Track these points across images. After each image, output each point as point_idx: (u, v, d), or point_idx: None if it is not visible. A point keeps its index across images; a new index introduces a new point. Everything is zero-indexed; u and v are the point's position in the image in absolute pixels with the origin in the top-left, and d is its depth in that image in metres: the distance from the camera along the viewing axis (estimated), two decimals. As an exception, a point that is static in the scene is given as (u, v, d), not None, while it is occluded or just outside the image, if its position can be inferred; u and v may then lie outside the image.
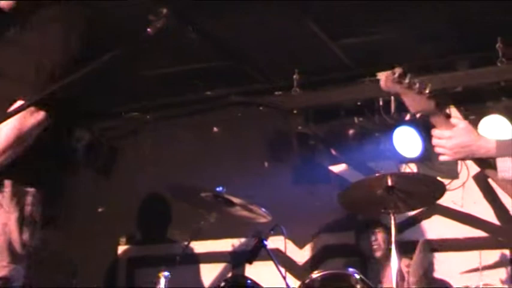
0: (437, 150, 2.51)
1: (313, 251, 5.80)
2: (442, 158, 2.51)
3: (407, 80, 2.43)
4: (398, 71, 2.44)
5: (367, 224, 5.01)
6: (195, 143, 6.18)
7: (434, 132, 2.50)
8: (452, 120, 2.50)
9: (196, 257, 5.95)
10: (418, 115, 2.48)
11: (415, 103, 2.45)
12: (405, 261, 4.86)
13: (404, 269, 4.80)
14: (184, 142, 6.21)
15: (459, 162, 5.45)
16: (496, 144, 2.43)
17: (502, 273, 5.07)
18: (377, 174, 4.10)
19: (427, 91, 2.45)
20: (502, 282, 5.03)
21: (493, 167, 2.53)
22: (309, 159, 5.73)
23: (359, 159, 5.61)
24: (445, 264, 5.34)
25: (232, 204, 4.16)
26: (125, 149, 6.45)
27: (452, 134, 2.45)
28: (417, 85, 2.43)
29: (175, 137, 6.26)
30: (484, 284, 4.42)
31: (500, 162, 2.41)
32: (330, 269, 4.58)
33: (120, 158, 6.45)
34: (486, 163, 2.54)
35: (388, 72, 2.44)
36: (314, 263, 5.69)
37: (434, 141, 2.50)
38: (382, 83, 2.44)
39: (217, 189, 4.07)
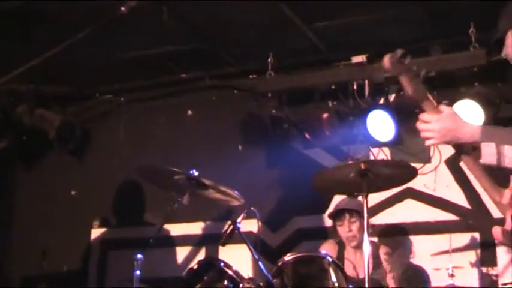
0: (425, 134, 2.54)
1: (286, 234, 5.81)
2: (428, 143, 2.54)
3: (407, 61, 2.49)
4: (400, 52, 2.51)
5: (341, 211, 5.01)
6: (169, 125, 6.15)
7: (424, 116, 2.54)
8: (441, 106, 2.53)
9: (170, 239, 5.93)
10: (409, 95, 2.50)
11: (411, 85, 2.51)
12: (384, 248, 4.90)
13: (383, 256, 4.84)
14: (158, 125, 6.17)
15: (432, 146, 5.49)
16: (481, 130, 2.48)
17: (471, 255, 5.13)
18: (350, 162, 4.10)
19: (422, 74, 2.50)
20: (471, 264, 5.09)
21: (469, 153, 2.55)
22: (283, 143, 5.72)
23: (332, 143, 5.62)
24: (416, 247, 5.38)
25: (206, 187, 4.14)
26: (98, 132, 6.39)
27: (441, 118, 2.50)
28: (415, 67, 2.49)
29: (149, 120, 6.21)
30: (453, 267, 4.46)
31: (485, 148, 2.45)
32: (303, 252, 4.60)
33: (93, 140, 6.39)
34: (465, 150, 2.56)
35: (391, 53, 2.50)
36: (287, 246, 5.70)
37: (422, 125, 2.54)
38: (384, 63, 2.50)
39: (191, 172, 4.05)
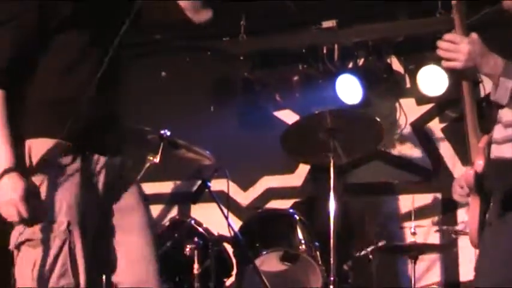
0: (449, 55, 2.37)
1: (256, 193, 5.87)
2: (449, 64, 2.38)
3: None
4: None
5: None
6: (142, 86, 6.10)
7: (451, 36, 2.39)
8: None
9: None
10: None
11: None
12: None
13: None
14: (131, 85, 6.11)
15: (397, 109, 5.54)
16: (505, 65, 2.36)
17: (433, 215, 5.24)
18: (316, 112, 4.11)
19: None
20: (433, 223, 5.20)
21: (471, 81, 2.46)
22: (254, 105, 5.73)
23: (302, 105, 5.64)
24: (382, 207, 5.47)
25: (178, 146, 4.15)
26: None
27: (472, 41, 2.36)
28: None
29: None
30: (416, 225, 4.55)
31: (502, 84, 2.34)
32: (272, 209, 4.66)
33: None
34: (469, 76, 2.45)
35: None
36: (257, 204, 5.76)
37: (448, 45, 2.37)
38: None
39: (163, 131, 4.05)
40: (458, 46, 2.37)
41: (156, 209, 5.95)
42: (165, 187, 5.92)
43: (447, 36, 2.40)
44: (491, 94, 2.42)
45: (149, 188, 5.91)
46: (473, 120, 2.47)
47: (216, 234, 4.19)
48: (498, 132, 2.52)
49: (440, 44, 2.40)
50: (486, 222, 2.52)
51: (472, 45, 2.36)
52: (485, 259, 2.50)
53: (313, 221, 4.47)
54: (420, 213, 5.09)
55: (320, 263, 4.04)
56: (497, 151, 2.51)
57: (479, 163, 2.44)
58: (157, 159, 3.98)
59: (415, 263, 4.49)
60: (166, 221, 4.42)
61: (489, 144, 2.50)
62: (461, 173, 2.65)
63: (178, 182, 5.93)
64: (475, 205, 2.51)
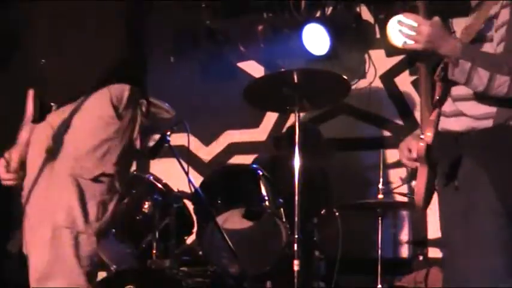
0: (410, 35, 2.50)
1: (218, 148, 5.87)
2: (409, 44, 2.52)
3: None
4: None
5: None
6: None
7: (414, 17, 2.50)
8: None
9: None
10: None
11: None
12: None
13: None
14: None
15: (367, 61, 5.55)
16: (463, 47, 2.51)
17: (401, 171, 5.30)
18: (282, 70, 4.10)
19: None
20: (401, 180, 5.27)
21: (426, 63, 2.67)
22: (217, 55, 5.68)
23: (267, 56, 5.61)
24: (348, 162, 5.52)
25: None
26: (20, 37, 6.17)
27: (434, 24, 2.49)
28: None
29: (75, 24, 6.03)
30: (383, 182, 4.60)
31: (461, 65, 2.50)
32: (234, 165, 4.67)
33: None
34: (425, 58, 2.65)
35: None
36: (220, 160, 5.77)
37: (409, 27, 2.49)
38: None
39: (119, 82, 3.99)
40: (419, 28, 2.48)
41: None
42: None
43: (409, 16, 2.51)
44: (449, 73, 2.55)
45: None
46: (426, 98, 2.69)
47: (176, 190, 4.19)
48: (447, 105, 2.67)
49: (401, 23, 2.51)
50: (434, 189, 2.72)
51: (433, 28, 2.48)
52: (440, 221, 2.72)
53: (278, 177, 4.52)
54: (389, 169, 5.17)
55: (284, 220, 4.07)
56: (445, 123, 2.67)
57: (429, 135, 2.63)
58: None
59: (382, 220, 4.56)
60: (123, 177, 4.39)
61: (439, 116, 2.67)
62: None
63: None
64: (423, 173, 2.67)
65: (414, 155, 2.72)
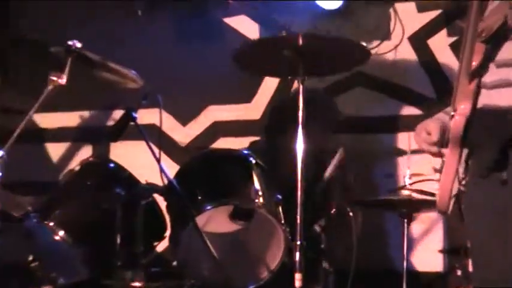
0: None
1: (199, 128, 5.92)
2: None
3: None
4: None
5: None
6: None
7: None
8: None
9: (43, 133, 5.95)
10: None
11: None
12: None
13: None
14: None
15: (392, 18, 5.58)
16: None
17: (436, 160, 5.35)
18: (284, 34, 4.12)
19: None
20: (435, 170, 5.31)
21: None
22: (197, 9, 5.70)
23: (263, 11, 5.63)
24: (366, 148, 5.58)
25: (91, 63, 4.12)
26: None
27: None
28: None
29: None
30: (412, 173, 4.64)
31: None
32: (220, 150, 4.70)
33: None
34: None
35: None
36: (201, 143, 5.82)
37: None
38: None
39: (72, 42, 4.01)
40: None
41: (60, 148, 5.95)
42: (74, 119, 5.90)
43: None
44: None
45: (51, 119, 5.93)
46: (467, 65, 2.62)
47: (144, 182, 4.22)
48: (489, 74, 2.68)
49: None
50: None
51: None
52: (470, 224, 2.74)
53: (275, 167, 4.54)
54: (418, 157, 5.21)
55: (283, 221, 4.11)
56: (486, 98, 2.67)
57: (464, 107, 2.61)
58: (63, 80, 3.95)
59: (409, 223, 4.60)
60: (76, 165, 4.43)
61: (478, 88, 2.66)
62: None
63: (92, 112, 5.93)
64: (453, 161, 2.67)
65: (435, 137, 2.76)
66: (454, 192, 2.71)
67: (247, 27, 5.77)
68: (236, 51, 4.06)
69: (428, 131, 2.80)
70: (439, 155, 2.79)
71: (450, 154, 2.69)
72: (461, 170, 2.72)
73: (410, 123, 5.37)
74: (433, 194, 4.55)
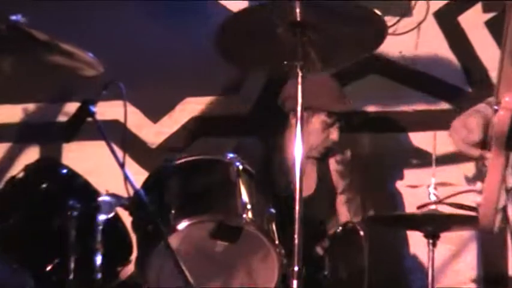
0: None
1: (174, 125, 5.94)
2: None
3: None
4: None
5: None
6: None
7: None
8: None
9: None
10: None
11: None
12: (339, 156, 5.09)
13: (334, 166, 5.04)
14: None
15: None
16: None
17: (467, 167, 5.36)
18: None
19: None
20: (467, 180, 5.32)
21: None
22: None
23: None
24: (379, 152, 5.59)
25: (40, 44, 4.13)
26: None
27: None
28: None
29: None
30: (437, 183, 4.65)
31: None
32: (200, 153, 4.70)
33: None
34: None
35: None
36: (175, 144, 5.84)
37: None
38: None
39: (14, 17, 4.01)
40: None
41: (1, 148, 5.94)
42: (17, 113, 5.91)
43: None
44: None
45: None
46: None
47: (104, 193, 4.23)
48: None
49: None
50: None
51: None
52: None
53: (268, 173, 4.53)
54: (446, 161, 5.23)
55: (277, 242, 4.11)
56: None
57: (509, 101, 2.61)
58: (4, 66, 3.97)
59: (434, 244, 4.61)
60: (19, 171, 4.43)
61: None
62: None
63: (39, 105, 5.93)
64: (499, 165, 2.65)
65: (476, 136, 2.74)
66: (501, 205, 2.70)
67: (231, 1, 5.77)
68: (216, 31, 4.06)
69: (469, 127, 2.76)
70: (482, 158, 2.76)
71: (494, 157, 2.66)
72: (510, 177, 2.70)
73: (435, 121, 5.42)
74: (467, 208, 4.61)
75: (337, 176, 5.14)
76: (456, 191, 4.49)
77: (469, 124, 2.77)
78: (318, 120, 4.98)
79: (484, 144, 2.76)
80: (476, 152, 2.76)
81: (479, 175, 2.81)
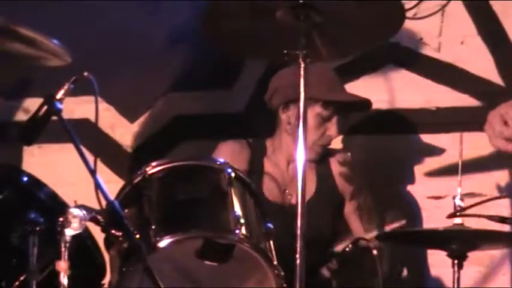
0: None
1: (155, 125, 5.97)
2: None
3: None
4: None
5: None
6: None
7: None
8: None
9: None
10: None
11: None
12: (340, 156, 5.11)
13: (337, 168, 5.06)
14: None
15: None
16: None
17: (500, 175, 5.39)
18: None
19: None
20: (500, 189, 5.35)
21: None
22: None
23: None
24: (400, 155, 5.61)
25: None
26: None
27: None
28: None
29: None
30: (464, 193, 4.67)
31: None
32: (184, 158, 4.73)
33: None
34: None
35: None
36: (156, 147, 5.86)
37: None
38: None
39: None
40: None
41: None
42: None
43: None
44: None
45: None
46: None
47: (73, 205, 4.23)
48: None
49: None
50: None
51: None
52: None
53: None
54: (474, 167, 5.25)
55: (275, 262, 4.13)
56: None
57: None
58: None
59: (460, 264, 4.63)
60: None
61: None
62: None
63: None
64: None
65: None
66: None
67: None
68: (202, 14, 4.07)
69: (506, 119, 2.75)
70: None
71: None
72: None
73: (462, 120, 5.44)
74: (500, 220, 4.63)
75: (342, 180, 5.16)
76: (483, 199, 4.53)
77: (507, 116, 2.75)
78: (312, 114, 4.96)
79: None
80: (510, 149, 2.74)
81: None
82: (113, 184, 4.30)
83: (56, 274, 3.96)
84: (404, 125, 5.68)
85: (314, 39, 4.07)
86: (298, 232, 3.77)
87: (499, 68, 5.60)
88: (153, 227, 4.12)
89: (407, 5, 5.23)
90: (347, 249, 4.64)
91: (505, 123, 2.73)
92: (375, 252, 4.52)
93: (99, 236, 4.34)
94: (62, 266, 3.95)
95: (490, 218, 4.53)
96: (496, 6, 5.60)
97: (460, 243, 4.61)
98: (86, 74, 4.19)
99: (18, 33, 4.15)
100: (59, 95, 4.08)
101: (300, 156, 3.92)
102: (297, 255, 3.74)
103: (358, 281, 4.61)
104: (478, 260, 5.32)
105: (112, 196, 4.12)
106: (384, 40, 4.73)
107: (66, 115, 4.08)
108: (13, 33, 4.14)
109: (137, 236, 3.95)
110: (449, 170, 5.25)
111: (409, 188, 5.56)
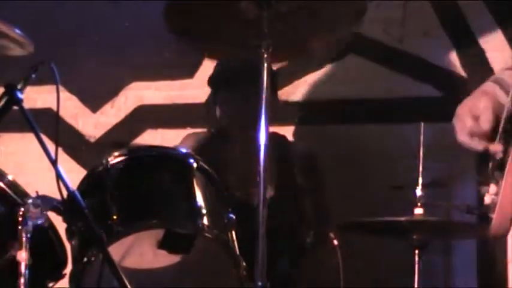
0: None
1: (118, 114, 5.95)
2: None
3: None
4: None
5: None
6: None
7: None
8: None
9: None
10: None
11: None
12: (299, 148, 5.11)
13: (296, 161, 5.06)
14: None
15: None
16: None
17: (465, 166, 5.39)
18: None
19: None
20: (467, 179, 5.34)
21: None
22: None
23: None
24: (360, 148, 5.60)
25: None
26: None
27: None
28: None
29: None
30: (425, 184, 4.67)
31: None
32: (147, 148, 4.70)
33: None
34: None
35: None
36: (119, 137, 5.84)
37: None
38: None
39: None
40: None
41: None
42: None
43: None
44: None
45: None
46: None
47: (34, 195, 4.20)
48: None
49: None
50: None
51: None
52: None
53: (227, 172, 4.51)
54: (436, 157, 5.23)
55: (238, 252, 4.10)
56: None
57: None
58: None
59: (420, 255, 4.63)
60: None
61: None
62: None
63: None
64: None
65: (486, 123, 2.68)
66: None
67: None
68: (165, 5, 4.04)
69: (476, 113, 2.73)
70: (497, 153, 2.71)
71: None
72: None
73: (424, 110, 5.44)
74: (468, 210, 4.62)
75: (300, 174, 5.14)
76: None
77: (476, 109, 2.68)
78: None
79: (493, 134, 2.71)
80: (479, 146, 2.69)
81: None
82: (74, 174, 4.26)
83: (17, 264, 3.95)
84: (365, 115, 5.65)
85: (277, 29, 4.04)
86: (260, 222, 3.75)
87: (460, 58, 5.57)
88: (114, 217, 4.10)
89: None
90: (308, 240, 4.64)
91: (475, 117, 2.65)
92: (335, 242, 4.52)
93: (60, 225, 4.31)
94: (23, 256, 3.93)
95: (458, 207, 4.53)
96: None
97: (421, 233, 4.60)
98: (46, 61, 4.17)
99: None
100: (20, 85, 4.05)
101: (262, 148, 3.90)
102: (259, 247, 3.71)
103: (318, 271, 4.60)
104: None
105: (73, 186, 4.10)
106: (346, 30, 4.71)
107: (28, 105, 4.04)
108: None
109: (98, 226, 3.95)
110: (410, 160, 5.24)
111: (371, 178, 5.53)
